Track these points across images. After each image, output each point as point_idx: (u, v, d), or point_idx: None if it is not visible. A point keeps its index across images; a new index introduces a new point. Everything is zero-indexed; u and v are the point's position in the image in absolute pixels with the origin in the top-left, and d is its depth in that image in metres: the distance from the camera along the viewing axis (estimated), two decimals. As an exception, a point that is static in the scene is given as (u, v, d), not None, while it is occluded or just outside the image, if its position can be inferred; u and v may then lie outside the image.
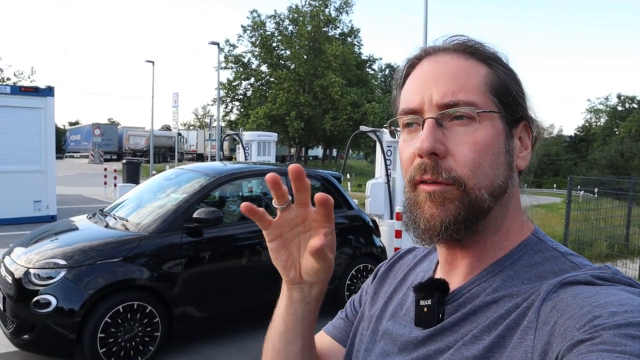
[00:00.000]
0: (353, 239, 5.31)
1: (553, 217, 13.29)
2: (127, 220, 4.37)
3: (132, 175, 15.44)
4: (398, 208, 7.20)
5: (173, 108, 22.34)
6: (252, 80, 40.73)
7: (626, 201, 8.70)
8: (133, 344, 3.75)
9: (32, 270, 3.65)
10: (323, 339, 0.87)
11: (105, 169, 16.54)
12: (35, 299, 3.51)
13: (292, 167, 0.60)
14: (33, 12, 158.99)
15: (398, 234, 6.64)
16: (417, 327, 0.68)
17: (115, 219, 4.50)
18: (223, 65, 37.78)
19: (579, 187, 10.48)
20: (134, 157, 30.37)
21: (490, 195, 0.64)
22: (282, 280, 0.72)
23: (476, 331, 0.61)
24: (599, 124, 64.59)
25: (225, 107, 41.02)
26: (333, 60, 35.43)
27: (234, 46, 39.78)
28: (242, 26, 39.55)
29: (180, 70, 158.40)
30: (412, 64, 0.71)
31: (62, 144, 45.57)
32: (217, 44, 23.92)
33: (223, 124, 38.26)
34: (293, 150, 45.17)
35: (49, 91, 10.22)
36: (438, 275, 0.73)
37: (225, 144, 32.46)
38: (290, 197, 0.63)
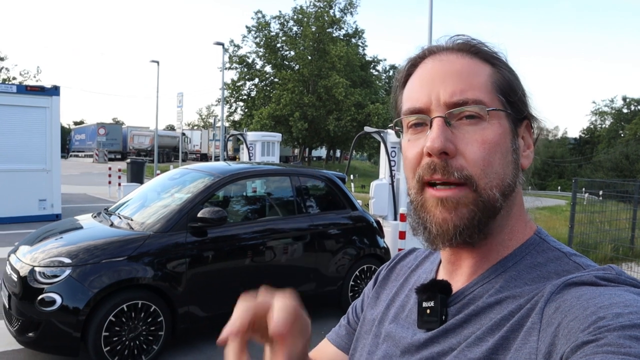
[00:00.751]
0: (357, 239, 5.30)
1: (557, 219, 13.24)
2: (131, 220, 4.38)
3: (137, 175, 15.47)
4: (402, 209, 7.19)
5: (177, 108, 22.39)
6: (257, 80, 40.78)
7: (631, 204, 8.66)
8: (137, 342, 3.76)
9: (37, 269, 3.67)
10: (327, 347, 0.87)
11: (110, 169, 16.61)
12: (40, 297, 3.53)
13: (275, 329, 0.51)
14: (39, 12, 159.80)
15: (402, 235, 6.63)
16: (419, 329, 0.68)
17: (120, 218, 4.52)
18: (227, 65, 37.82)
19: (583, 189, 10.44)
20: (138, 157, 30.47)
21: (501, 194, 0.63)
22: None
23: (479, 333, 0.60)
24: (604, 126, 64.32)
25: (230, 108, 41.08)
26: (337, 61, 35.42)
27: (239, 47, 39.83)
28: (247, 27, 39.60)
29: (184, 71, 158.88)
30: (415, 63, 0.70)
31: (66, 143, 45.76)
32: (222, 44, 23.94)
33: (227, 124, 38.32)
34: (297, 150, 45.17)
35: (54, 90, 10.26)
36: (440, 276, 0.73)
37: (229, 144, 32.52)
38: None
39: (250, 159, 12.38)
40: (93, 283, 3.60)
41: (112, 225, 4.38)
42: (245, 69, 39.93)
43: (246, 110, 40.88)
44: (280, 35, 39.72)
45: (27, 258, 3.86)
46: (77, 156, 43.84)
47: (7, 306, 3.85)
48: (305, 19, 38.44)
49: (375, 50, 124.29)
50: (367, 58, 45.29)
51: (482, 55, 0.68)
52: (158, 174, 10.00)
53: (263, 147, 12.70)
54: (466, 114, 0.63)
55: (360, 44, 43.72)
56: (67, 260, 3.68)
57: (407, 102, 0.68)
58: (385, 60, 56.62)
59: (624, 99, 62.48)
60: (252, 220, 4.95)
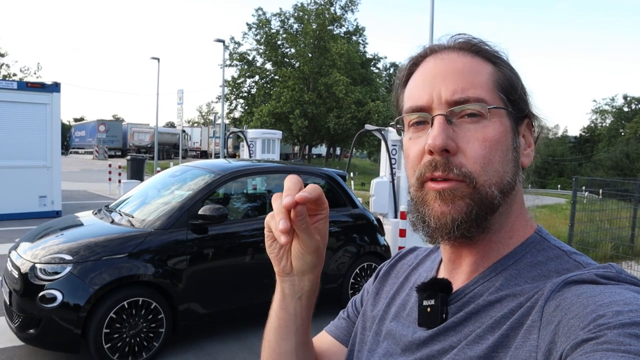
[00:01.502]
0: (357, 237, 5.31)
1: (557, 217, 13.26)
2: (132, 217, 4.39)
3: (137, 172, 15.47)
4: (402, 207, 7.20)
5: (178, 105, 22.40)
6: (257, 77, 40.78)
7: (632, 203, 8.67)
8: (138, 339, 3.76)
9: (38, 265, 3.68)
10: (325, 338, 0.87)
11: (110, 165, 16.62)
12: (41, 293, 3.53)
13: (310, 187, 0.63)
14: (39, 9, 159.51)
15: (402, 233, 6.64)
16: (420, 327, 0.68)
17: (121, 215, 4.52)
18: (228, 62, 37.84)
19: (583, 188, 10.44)
20: (138, 154, 30.46)
21: (500, 192, 0.64)
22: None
23: (480, 331, 0.61)
24: (604, 124, 64.25)
25: (230, 105, 41.08)
26: (338, 59, 35.40)
27: (239, 44, 39.86)
28: (248, 24, 39.60)
29: (185, 68, 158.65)
30: (416, 61, 0.71)
31: (66, 139, 45.75)
32: (223, 41, 23.91)
33: (227, 122, 38.30)
34: (297, 148, 45.15)
35: (55, 87, 10.25)
36: (441, 275, 0.73)
37: (229, 142, 32.49)
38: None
39: (250, 157, 12.38)
40: (94, 280, 3.61)
41: (112, 222, 4.39)
42: (246, 66, 39.92)
43: (246, 107, 40.89)
44: (281, 32, 39.70)
45: (28, 255, 3.86)
46: (77, 153, 43.85)
47: (8, 303, 3.85)
48: (306, 17, 38.41)
49: (375, 48, 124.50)
50: (368, 56, 45.27)
51: (483, 54, 0.68)
52: (158, 171, 9.99)
53: (263, 144, 12.70)
54: (467, 112, 0.64)
55: (361, 42, 43.72)
56: (68, 257, 3.69)
57: (409, 100, 0.69)
58: (385, 57, 56.44)
59: (625, 97, 62.42)
60: (253, 218, 4.95)
